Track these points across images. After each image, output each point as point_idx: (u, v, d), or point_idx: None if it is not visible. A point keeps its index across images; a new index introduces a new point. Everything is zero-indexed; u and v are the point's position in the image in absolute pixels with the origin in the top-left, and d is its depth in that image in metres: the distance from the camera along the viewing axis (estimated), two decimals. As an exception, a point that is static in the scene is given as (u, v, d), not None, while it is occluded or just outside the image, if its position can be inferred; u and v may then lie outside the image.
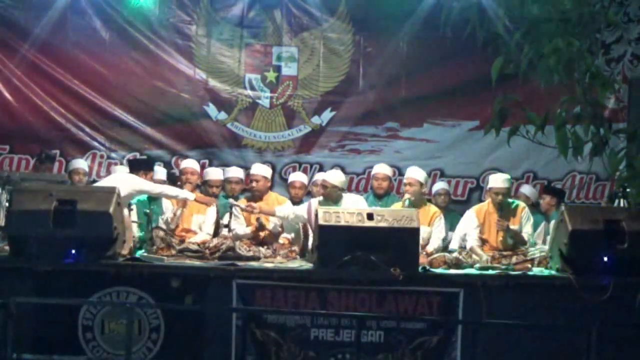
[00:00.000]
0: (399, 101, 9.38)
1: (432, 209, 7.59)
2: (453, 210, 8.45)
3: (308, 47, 9.38)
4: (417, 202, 7.39)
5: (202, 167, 9.08)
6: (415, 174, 7.53)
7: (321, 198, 7.41)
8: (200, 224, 7.68)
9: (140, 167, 7.94)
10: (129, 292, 6.47)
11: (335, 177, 7.44)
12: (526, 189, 8.70)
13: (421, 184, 7.51)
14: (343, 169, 8.99)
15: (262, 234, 7.50)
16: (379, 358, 6.50)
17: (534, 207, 8.31)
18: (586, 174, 9.14)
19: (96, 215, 6.33)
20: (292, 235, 7.61)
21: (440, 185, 8.51)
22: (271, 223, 7.55)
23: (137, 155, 9.18)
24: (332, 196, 7.32)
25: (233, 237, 7.27)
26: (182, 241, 7.24)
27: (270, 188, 8.00)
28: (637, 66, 9.30)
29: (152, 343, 6.50)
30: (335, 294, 6.47)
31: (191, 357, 6.48)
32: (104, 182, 7.50)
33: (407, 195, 7.38)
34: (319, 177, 8.25)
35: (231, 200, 7.65)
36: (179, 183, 8.08)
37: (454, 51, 8.56)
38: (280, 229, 7.60)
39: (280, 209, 7.46)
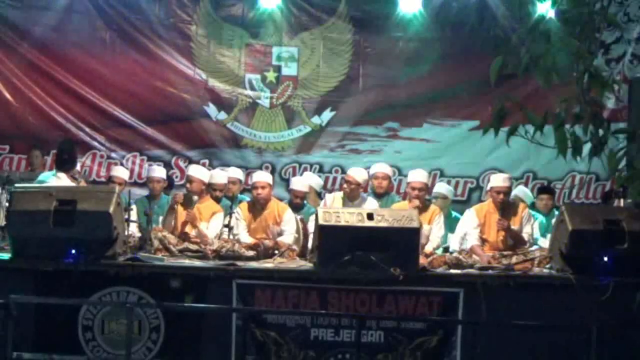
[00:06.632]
0: (399, 101, 9.38)
1: (431, 207, 7.59)
2: (451, 212, 8.41)
3: (308, 47, 9.37)
4: (422, 204, 7.41)
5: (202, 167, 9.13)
6: (423, 177, 7.56)
7: (341, 194, 7.50)
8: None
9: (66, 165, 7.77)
10: (129, 292, 6.47)
11: (361, 174, 7.52)
12: (519, 191, 8.54)
13: (427, 186, 7.63)
14: (343, 169, 8.99)
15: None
16: (379, 358, 6.49)
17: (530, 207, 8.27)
18: (586, 174, 9.14)
19: (96, 215, 6.34)
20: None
21: (439, 189, 8.35)
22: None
23: (138, 154, 9.19)
24: (355, 194, 7.36)
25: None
26: (184, 237, 7.19)
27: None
28: (637, 66, 9.29)
29: (152, 343, 6.50)
30: (335, 294, 6.47)
31: (191, 357, 6.48)
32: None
33: (416, 202, 7.34)
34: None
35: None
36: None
37: (454, 51, 8.56)
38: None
39: (288, 235, 7.31)
